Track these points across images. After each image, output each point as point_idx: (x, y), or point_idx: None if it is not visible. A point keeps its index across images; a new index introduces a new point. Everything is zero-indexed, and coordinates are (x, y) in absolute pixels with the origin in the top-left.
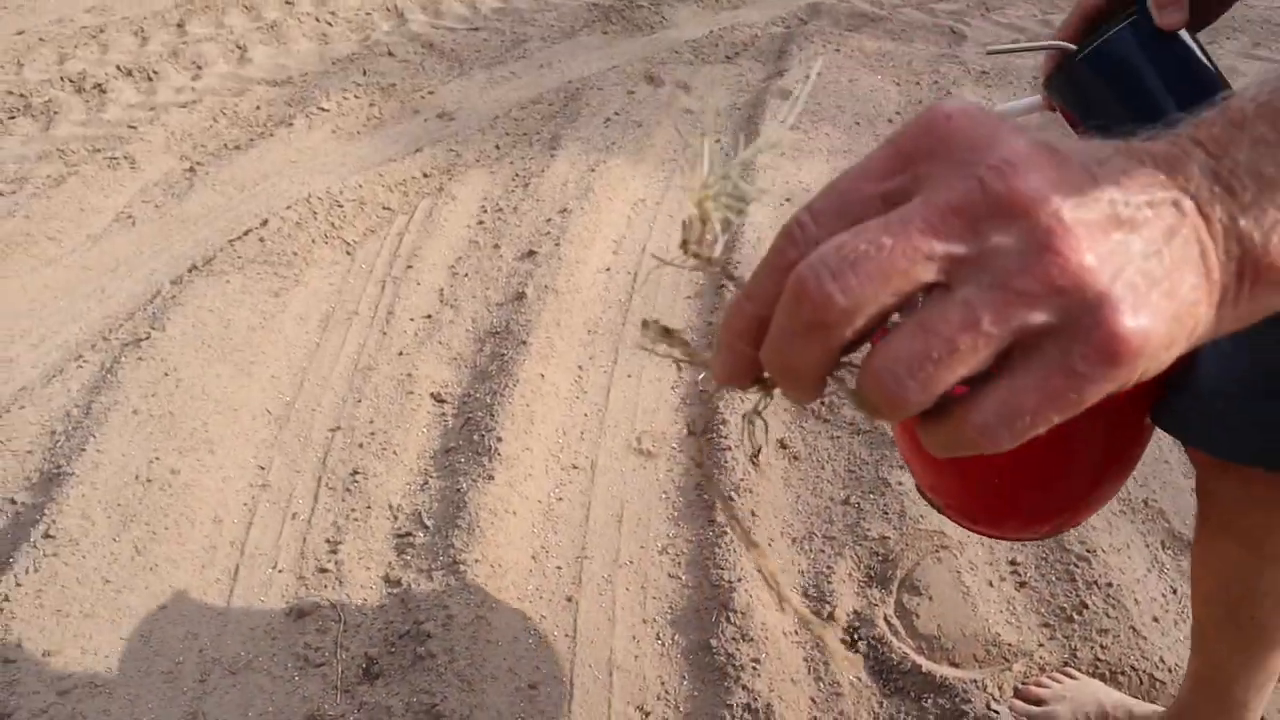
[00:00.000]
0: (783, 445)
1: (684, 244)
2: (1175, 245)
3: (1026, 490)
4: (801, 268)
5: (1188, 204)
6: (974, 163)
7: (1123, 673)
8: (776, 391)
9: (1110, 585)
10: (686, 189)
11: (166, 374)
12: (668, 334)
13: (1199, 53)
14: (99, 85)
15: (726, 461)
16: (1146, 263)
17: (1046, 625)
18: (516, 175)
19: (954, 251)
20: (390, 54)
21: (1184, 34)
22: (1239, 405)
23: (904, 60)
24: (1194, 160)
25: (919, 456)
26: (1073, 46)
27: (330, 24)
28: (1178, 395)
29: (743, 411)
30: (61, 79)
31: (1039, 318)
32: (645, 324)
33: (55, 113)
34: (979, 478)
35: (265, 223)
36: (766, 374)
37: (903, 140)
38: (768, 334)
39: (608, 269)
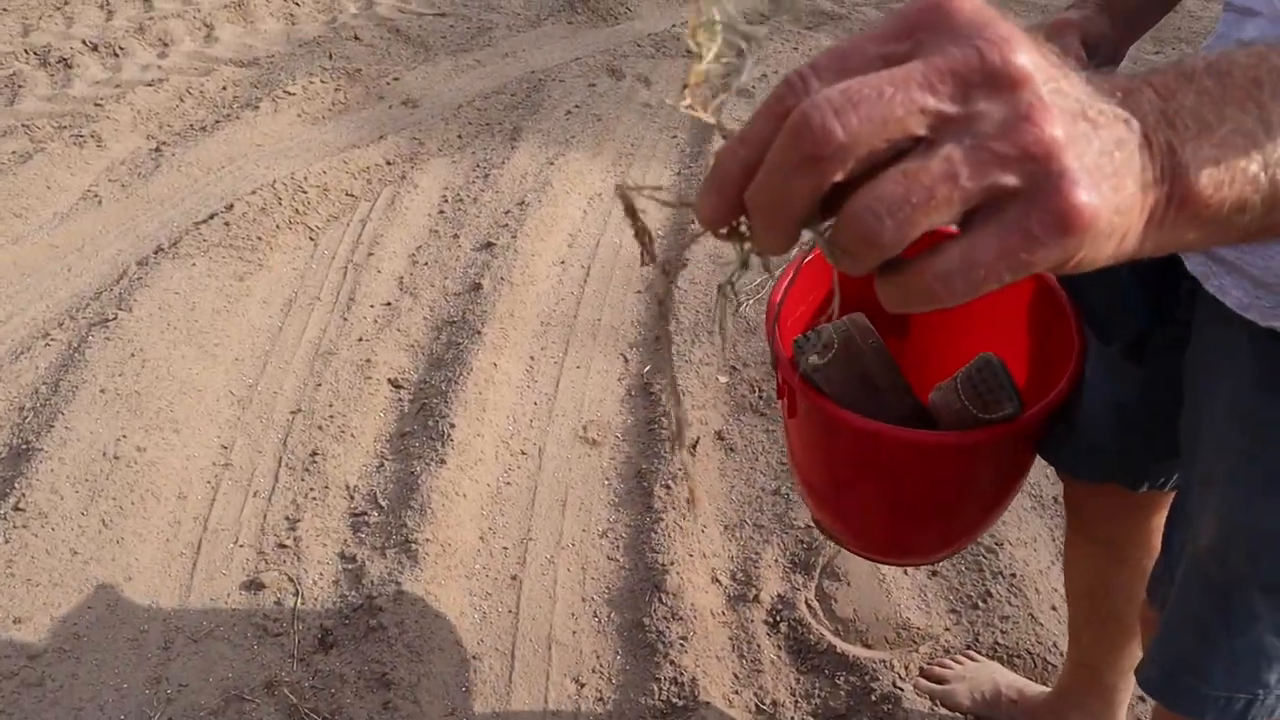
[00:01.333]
0: (719, 437)
1: (685, 87)
2: (1123, 153)
3: (928, 526)
4: (805, 104)
5: (1135, 125)
6: (973, 35)
7: (1019, 656)
8: (752, 257)
9: (1014, 575)
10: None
11: (133, 354)
12: (636, 193)
13: None
14: (64, 60)
15: (665, 452)
16: (1101, 158)
17: (954, 611)
18: (478, 165)
19: (944, 109)
20: (357, 38)
21: None
22: (1103, 437)
23: None
24: (1145, 96)
25: (824, 505)
26: None
27: (298, 3)
28: (1060, 428)
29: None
30: (26, 51)
31: (1009, 179)
32: (618, 187)
33: (20, 86)
34: (879, 521)
35: (231, 207)
36: (744, 227)
37: (908, 11)
38: (760, 172)
39: (562, 262)
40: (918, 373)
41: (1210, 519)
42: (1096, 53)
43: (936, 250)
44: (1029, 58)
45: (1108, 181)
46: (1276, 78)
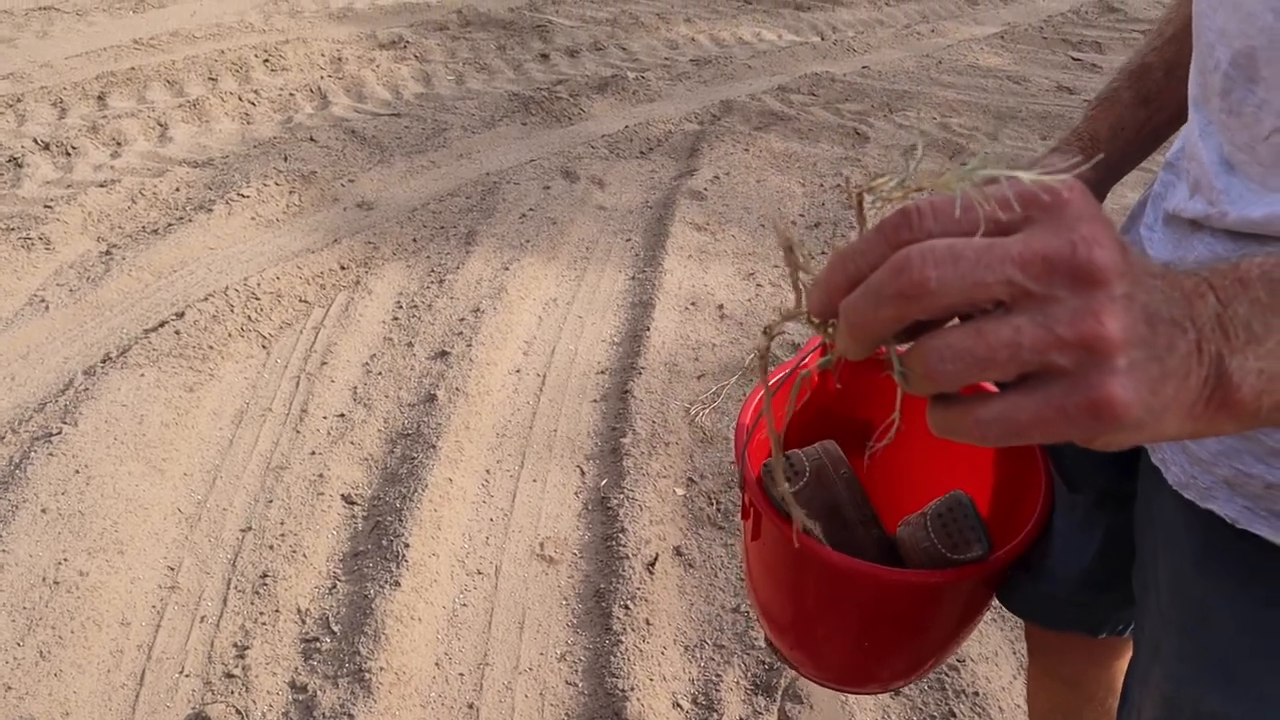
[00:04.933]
0: (678, 553)
1: (870, 190)
2: (1172, 360)
3: (889, 658)
4: (914, 250)
5: (1191, 334)
6: (1073, 228)
7: None
8: (832, 349)
9: (977, 694)
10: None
11: (77, 471)
12: (793, 250)
13: None
14: (14, 159)
15: (623, 570)
16: (1149, 363)
17: None
18: (432, 270)
19: (1028, 287)
20: (312, 139)
21: None
22: (1065, 591)
23: (809, 162)
24: (1207, 301)
25: (783, 632)
26: None
27: (253, 103)
28: (1019, 575)
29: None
30: None
31: (1062, 360)
32: (782, 235)
33: None
34: (839, 652)
35: (181, 314)
36: (831, 328)
37: (1037, 190)
38: (859, 288)
39: (517, 370)
40: (883, 497)
41: (1156, 695)
42: None
43: (985, 398)
44: (1113, 260)
45: (1147, 385)
46: None
